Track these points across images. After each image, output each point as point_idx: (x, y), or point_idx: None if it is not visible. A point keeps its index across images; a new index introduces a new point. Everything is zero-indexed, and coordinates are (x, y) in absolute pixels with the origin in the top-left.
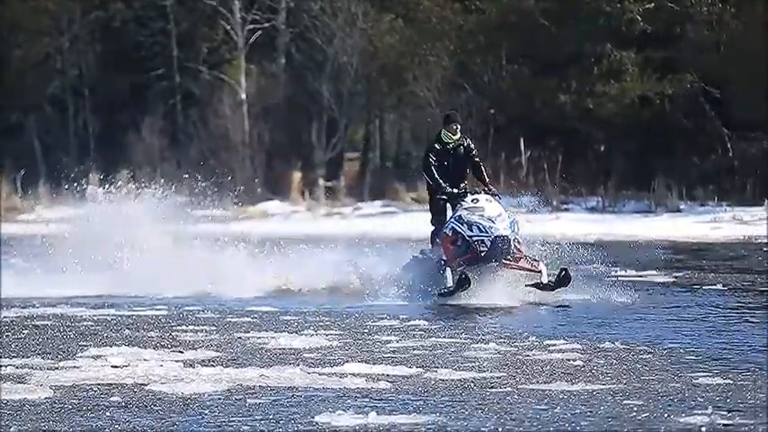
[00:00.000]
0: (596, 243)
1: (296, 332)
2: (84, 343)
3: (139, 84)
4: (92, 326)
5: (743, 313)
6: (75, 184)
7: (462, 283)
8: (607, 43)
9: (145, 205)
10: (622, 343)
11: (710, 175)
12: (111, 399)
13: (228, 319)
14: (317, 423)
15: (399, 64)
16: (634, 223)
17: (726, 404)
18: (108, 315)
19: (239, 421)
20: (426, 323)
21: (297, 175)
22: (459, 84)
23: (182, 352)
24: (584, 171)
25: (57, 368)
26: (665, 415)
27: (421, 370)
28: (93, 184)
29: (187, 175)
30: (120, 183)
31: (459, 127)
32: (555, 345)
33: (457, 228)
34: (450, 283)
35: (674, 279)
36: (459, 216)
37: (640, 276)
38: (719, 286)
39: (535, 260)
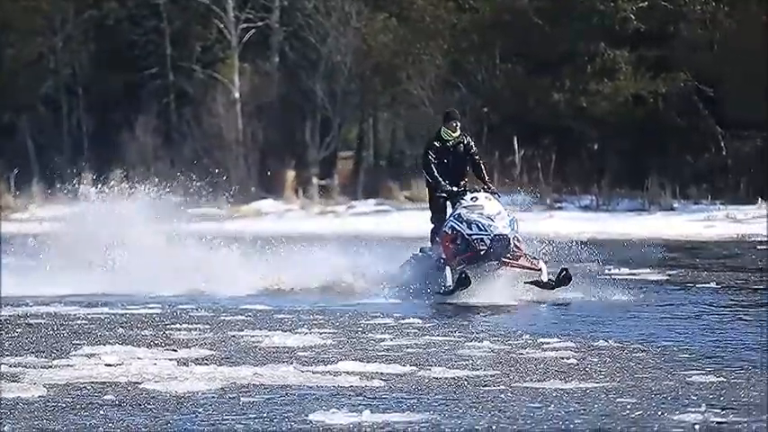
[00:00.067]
0: (590, 241)
1: (290, 330)
2: (78, 341)
3: (133, 83)
4: (85, 324)
5: (736, 311)
6: (69, 183)
7: (462, 283)
8: (601, 42)
9: (138, 204)
10: (616, 341)
11: (704, 173)
12: (105, 397)
13: (222, 318)
14: (310, 421)
15: (393, 63)
16: (628, 221)
17: (719, 402)
18: (101, 313)
19: (233, 420)
20: (420, 321)
21: (290, 174)
22: (453, 82)
23: (175, 350)
24: (578, 169)
25: (50, 367)
26: (659, 413)
27: (415, 368)
28: (87, 183)
29: (181, 174)
30: (113, 182)
31: (459, 124)
32: (549, 343)
33: (456, 226)
34: (449, 281)
35: (668, 277)
36: (459, 214)
37: (634, 275)
38: (713, 284)
39: (535, 258)
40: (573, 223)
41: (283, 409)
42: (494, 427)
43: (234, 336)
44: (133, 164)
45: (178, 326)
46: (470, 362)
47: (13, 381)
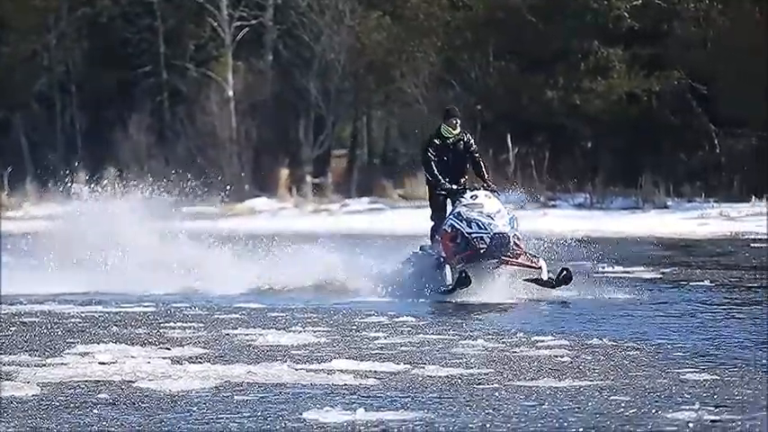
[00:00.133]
0: (584, 239)
1: (284, 329)
2: (72, 340)
3: (126, 81)
4: (79, 323)
5: (730, 309)
6: (62, 182)
7: (462, 282)
8: (594, 40)
9: (132, 202)
10: (610, 339)
11: (698, 171)
12: (99, 396)
13: (216, 316)
14: (304, 420)
15: (387, 61)
16: (621, 219)
17: (713, 400)
18: (95, 312)
19: (227, 418)
20: (414, 320)
21: (284, 172)
22: (447, 80)
23: (169, 349)
24: (572, 167)
25: (44, 365)
26: (653, 411)
27: (409, 366)
28: (80, 181)
29: (174, 173)
30: (107, 180)
31: (459, 122)
32: (542, 341)
33: (456, 224)
34: (449, 280)
35: (662, 275)
36: (459, 213)
37: (628, 273)
38: (707, 282)
39: (535, 256)
40: (567, 221)
41: (277, 408)
42: (487, 426)
43: (228, 334)
44: (127, 162)
45: (172, 324)
46: (464, 360)
47: (7, 379)
